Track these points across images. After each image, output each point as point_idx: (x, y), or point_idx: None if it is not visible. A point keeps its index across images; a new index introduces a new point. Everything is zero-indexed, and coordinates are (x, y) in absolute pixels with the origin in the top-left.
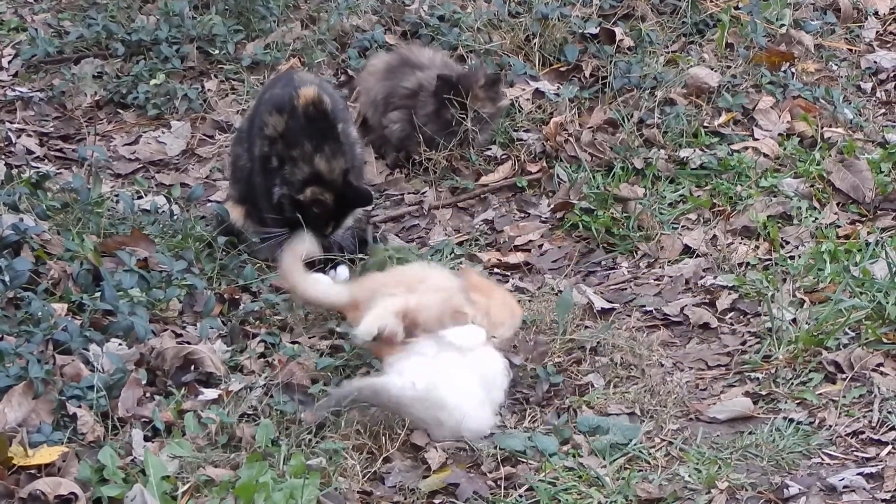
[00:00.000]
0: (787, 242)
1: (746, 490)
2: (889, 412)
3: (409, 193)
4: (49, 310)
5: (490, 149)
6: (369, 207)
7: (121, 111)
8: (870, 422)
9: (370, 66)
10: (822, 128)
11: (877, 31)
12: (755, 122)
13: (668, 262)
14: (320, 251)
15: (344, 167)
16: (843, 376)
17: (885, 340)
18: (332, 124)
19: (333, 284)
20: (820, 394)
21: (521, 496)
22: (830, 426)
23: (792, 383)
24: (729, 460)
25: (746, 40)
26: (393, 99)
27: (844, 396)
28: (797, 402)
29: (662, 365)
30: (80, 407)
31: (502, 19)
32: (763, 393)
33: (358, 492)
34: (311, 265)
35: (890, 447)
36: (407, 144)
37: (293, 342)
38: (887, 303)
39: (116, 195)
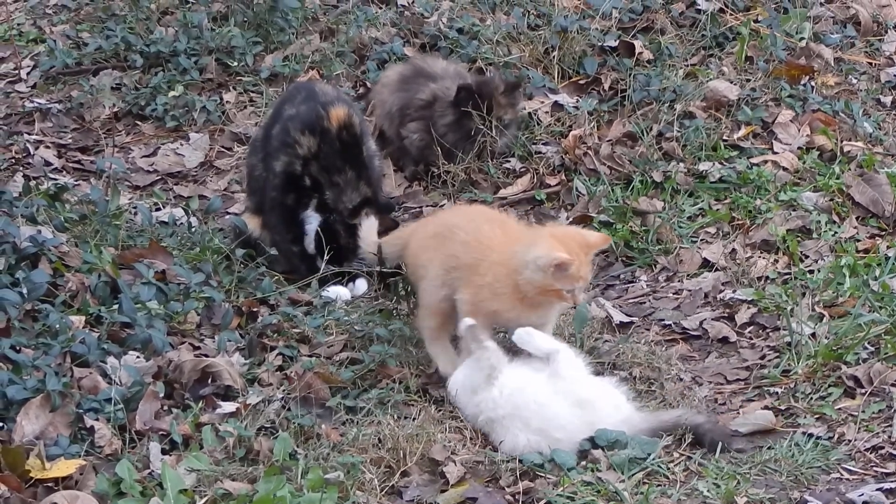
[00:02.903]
0: (807, 256)
1: None
2: None
3: (427, 206)
4: (67, 322)
5: (509, 161)
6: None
7: (139, 123)
8: (889, 437)
9: (384, 79)
10: (841, 141)
11: None
12: (774, 136)
13: (687, 275)
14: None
15: (372, 184)
16: (863, 391)
17: None
18: (361, 146)
19: None
20: (839, 408)
21: None
22: (850, 441)
23: (811, 398)
24: (748, 475)
25: (766, 53)
26: (409, 110)
27: (864, 411)
28: (816, 416)
29: (681, 379)
30: (97, 420)
31: (521, 32)
32: (782, 408)
33: None
34: (326, 279)
35: None
36: (426, 155)
37: (311, 355)
38: None
39: (134, 207)
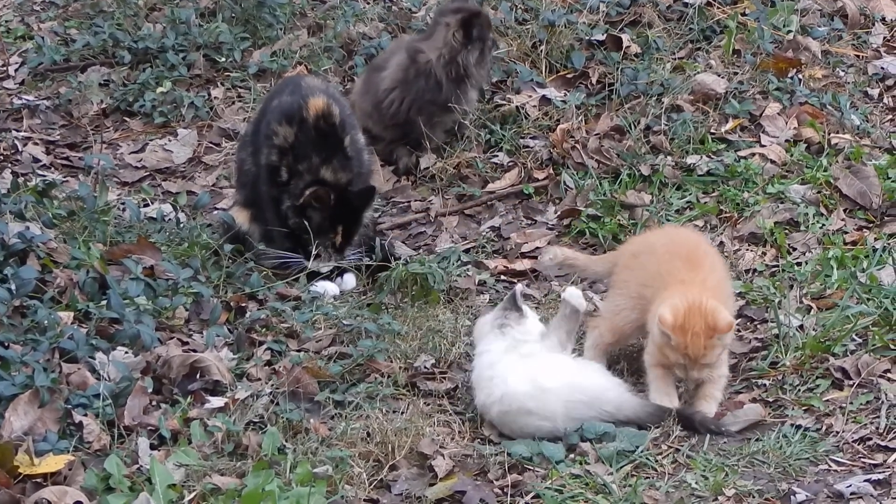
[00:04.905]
0: (794, 249)
1: (753, 497)
2: None
3: (415, 201)
4: (55, 318)
5: (497, 156)
6: (373, 205)
7: (127, 119)
8: (877, 428)
9: (355, 87)
10: (829, 134)
11: (884, 37)
12: (762, 129)
13: None
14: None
15: (349, 178)
16: (851, 383)
17: (892, 346)
18: (341, 137)
19: None
20: (827, 400)
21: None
22: (837, 432)
23: (799, 390)
24: (736, 467)
25: (753, 46)
26: (382, 101)
27: (851, 403)
28: (804, 408)
29: None
30: (86, 415)
31: (509, 26)
32: (770, 399)
33: (364, 500)
34: (317, 273)
35: None
36: (424, 110)
37: (300, 349)
38: (894, 309)
39: (123, 203)
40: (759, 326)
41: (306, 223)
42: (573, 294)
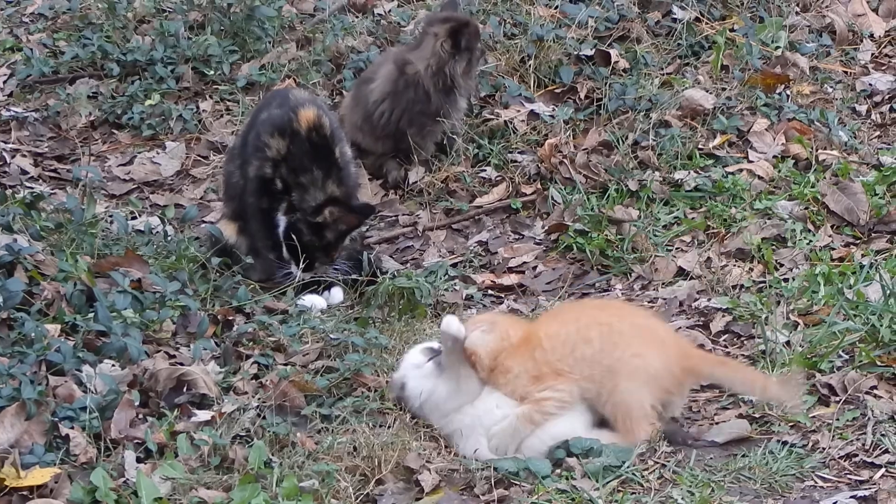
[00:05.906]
0: (782, 265)
1: None
2: (882, 435)
3: (403, 215)
4: (42, 330)
5: (485, 171)
6: (370, 221)
7: (115, 131)
8: (863, 444)
9: (344, 102)
10: (816, 150)
11: (872, 54)
12: (750, 145)
13: (663, 284)
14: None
15: (347, 192)
16: (837, 399)
17: (878, 363)
18: (332, 148)
19: None
20: (813, 416)
21: None
22: (824, 449)
23: (785, 406)
24: (722, 483)
25: (742, 62)
26: (372, 114)
27: (838, 419)
28: (790, 424)
29: None
30: (72, 428)
31: (497, 41)
32: (756, 415)
33: None
34: (304, 287)
35: (883, 470)
36: (415, 121)
37: (286, 363)
38: (881, 325)
39: (110, 216)
40: (745, 342)
41: (316, 240)
42: (449, 324)
